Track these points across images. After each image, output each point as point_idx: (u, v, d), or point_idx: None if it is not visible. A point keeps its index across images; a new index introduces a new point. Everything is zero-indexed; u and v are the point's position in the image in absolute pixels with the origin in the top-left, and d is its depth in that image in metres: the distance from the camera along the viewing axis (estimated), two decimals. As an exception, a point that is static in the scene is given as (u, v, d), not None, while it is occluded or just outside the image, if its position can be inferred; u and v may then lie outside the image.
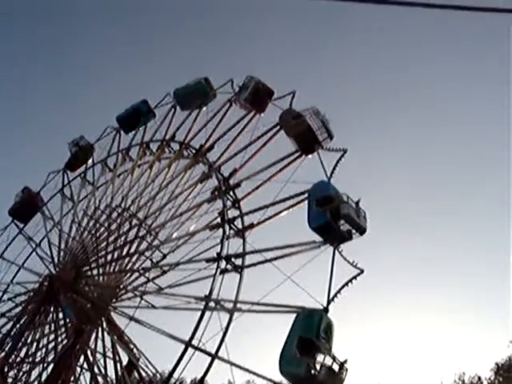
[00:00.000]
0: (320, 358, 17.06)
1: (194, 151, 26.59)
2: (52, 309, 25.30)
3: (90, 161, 31.87)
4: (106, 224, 26.46)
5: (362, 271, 18.77)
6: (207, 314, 19.79)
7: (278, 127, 23.89)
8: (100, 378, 22.84)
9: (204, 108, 28.27)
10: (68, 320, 24.22)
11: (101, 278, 25.59)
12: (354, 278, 18.73)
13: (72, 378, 22.71)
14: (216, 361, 18.85)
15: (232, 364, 18.48)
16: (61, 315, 24.96)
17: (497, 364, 35.48)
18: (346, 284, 18.76)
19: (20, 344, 24.40)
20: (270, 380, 17.32)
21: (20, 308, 26.46)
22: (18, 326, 24.91)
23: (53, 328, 25.25)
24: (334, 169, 21.10)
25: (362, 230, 19.90)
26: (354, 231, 19.79)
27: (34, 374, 24.22)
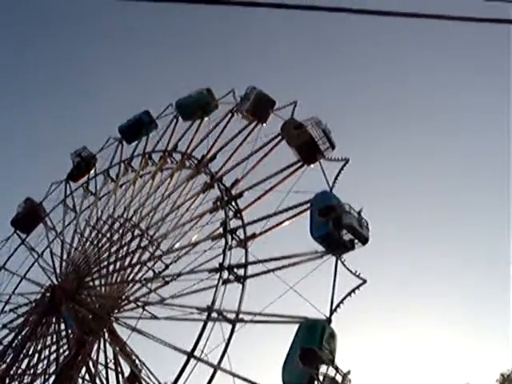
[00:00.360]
0: (323, 368, 16.98)
1: (195, 161, 26.76)
2: (54, 320, 25.27)
3: (93, 171, 32.02)
4: (108, 234, 26.53)
5: (365, 281, 18.74)
6: (209, 324, 19.81)
7: (280, 137, 24.04)
8: (102, 390, 22.69)
9: (206, 118, 28.48)
10: (70, 331, 24.15)
11: (103, 288, 25.59)
12: (357, 287, 18.69)
13: (74, 390, 22.55)
14: (218, 372, 18.78)
15: (234, 375, 18.40)
16: (63, 326, 24.92)
17: (502, 375, 35.09)
18: (349, 294, 18.73)
19: (21, 355, 24.29)
20: (272, 391, 17.18)
21: (22, 319, 26.41)
22: (19, 337, 24.84)
23: (54, 339, 25.18)
24: (336, 178, 21.17)
25: (364, 240, 19.90)
26: (356, 241, 19.79)
27: (36, 385, 24.07)
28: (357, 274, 18.93)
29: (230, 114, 27.24)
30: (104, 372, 23.41)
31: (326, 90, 49.85)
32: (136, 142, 30.61)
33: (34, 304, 26.65)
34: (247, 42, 55.58)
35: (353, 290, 18.72)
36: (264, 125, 26.00)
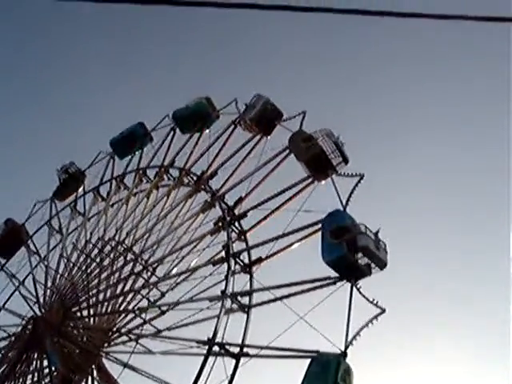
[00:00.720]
0: (338, 409, 16.97)
1: (195, 178, 27.20)
2: (36, 356, 25.34)
3: (81, 189, 32.47)
4: (98, 259, 26.84)
5: (384, 310, 18.90)
6: (211, 359, 19.95)
7: (288, 151, 24.51)
8: None
9: (206, 131, 29.03)
10: (54, 368, 24.18)
11: (92, 319, 25.73)
12: (375, 317, 18.82)
13: None
14: (221, 413, 18.78)
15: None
16: (46, 363, 24.94)
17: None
18: (366, 325, 18.88)
19: (-1, 397, 24.29)
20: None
21: (-1, 355, 26.43)
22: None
23: (36, 378, 25.18)
24: (350, 196, 21.48)
25: (382, 264, 20.12)
26: (373, 265, 19.97)
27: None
28: (374, 302, 19.09)
29: (232, 126, 27.73)
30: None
31: (338, 100, 50.44)
32: (129, 156, 31.17)
33: (13, 338, 26.73)
34: (251, 46, 56.46)
35: (370, 321, 18.87)
36: (269, 137, 26.41)
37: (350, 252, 19.54)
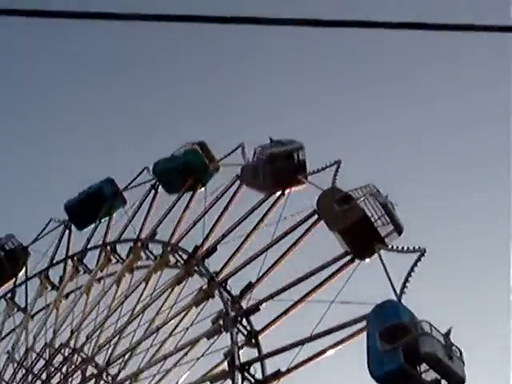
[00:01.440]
0: None
1: (185, 256, 27.27)
2: None
3: (22, 273, 32.58)
4: (44, 375, 26.52)
5: None
6: None
7: (316, 216, 24.63)
8: None
9: (200, 189, 29.44)
10: None
11: None
12: None
13: None
14: None
15: None
16: None
17: None
18: None
19: None
20: None
21: None
22: None
23: None
24: (407, 280, 21.40)
25: (457, 380, 19.77)
26: (443, 382, 19.67)
27: None
28: None
29: (237, 182, 28.10)
30: None
31: (383, 148, 51.26)
32: (92, 226, 31.50)
33: None
34: (260, 78, 57.95)
35: None
36: (289, 196, 26.60)
37: (409, 363, 19.30)
